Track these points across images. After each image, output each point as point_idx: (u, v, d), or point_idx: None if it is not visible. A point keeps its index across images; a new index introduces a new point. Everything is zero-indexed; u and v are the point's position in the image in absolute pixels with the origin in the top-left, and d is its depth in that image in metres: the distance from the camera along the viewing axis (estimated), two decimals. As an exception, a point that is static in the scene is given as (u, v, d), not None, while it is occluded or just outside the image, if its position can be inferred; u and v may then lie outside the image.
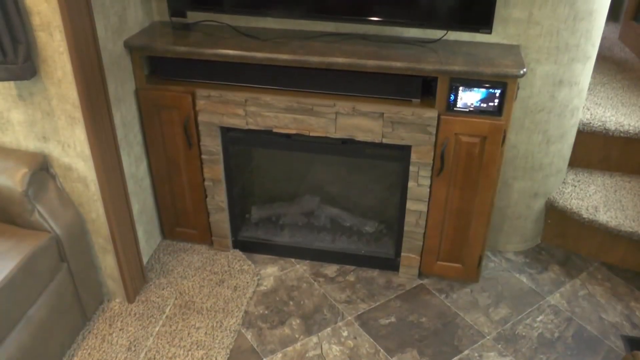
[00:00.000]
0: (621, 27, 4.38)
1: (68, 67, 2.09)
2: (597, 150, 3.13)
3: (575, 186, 3.03)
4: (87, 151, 2.27)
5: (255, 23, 2.68)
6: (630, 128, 2.97)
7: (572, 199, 2.94)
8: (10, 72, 2.04)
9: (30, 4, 1.99)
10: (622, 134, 2.99)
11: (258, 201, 3.19)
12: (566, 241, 3.07)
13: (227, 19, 2.67)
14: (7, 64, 2.02)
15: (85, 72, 2.13)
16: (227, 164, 2.75)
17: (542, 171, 2.85)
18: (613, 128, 2.99)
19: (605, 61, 3.86)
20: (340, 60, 2.34)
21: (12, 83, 2.17)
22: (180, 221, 2.98)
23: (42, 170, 2.30)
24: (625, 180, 3.08)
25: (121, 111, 2.50)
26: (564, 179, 3.05)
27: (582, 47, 2.50)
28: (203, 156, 2.71)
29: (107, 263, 2.57)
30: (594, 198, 2.95)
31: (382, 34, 2.60)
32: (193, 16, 2.67)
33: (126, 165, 2.58)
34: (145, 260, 2.89)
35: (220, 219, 2.91)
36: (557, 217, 3.02)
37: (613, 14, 4.54)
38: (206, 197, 2.85)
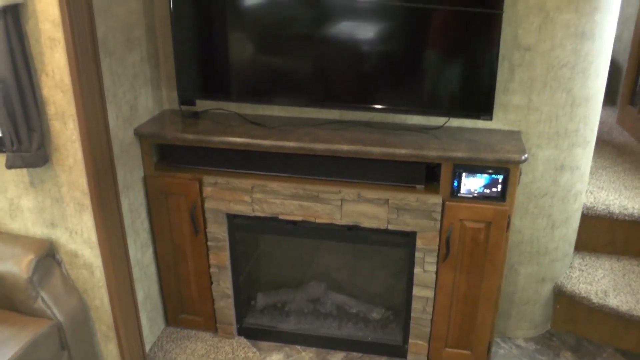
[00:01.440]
0: (618, 111, 4.48)
1: (79, 155, 2.14)
2: (602, 234, 3.12)
3: (583, 270, 3.00)
4: (94, 238, 2.29)
5: (262, 111, 2.76)
6: (635, 211, 2.98)
7: (580, 283, 2.91)
8: (24, 160, 2.09)
9: (47, 94, 2.07)
10: (626, 217, 3.00)
11: (264, 288, 3.17)
12: (577, 327, 3.01)
13: (234, 107, 2.75)
14: (22, 151, 2.08)
15: (96, 160, 2.17)
16: (233, 250, 2.75)
17: (549, 256, 2.84)
18: (617, 211, 3.00)
19: (605, 145, 3.92)
20: (346, 147, 2.40)
21: (24, 170, 2.22)
22: (185, 308, 2.95)
23: (48, 256, 2.30)
24: (633, 264, 3.06)
25: (129, 198, 2.53)
26: (571, 264, 3.03)
27: (581, 132, 2.56)
28: (209, 243, 2.72)
29: (109, 351, 2.53)
30: (603, 282, 2.92)
31: (386, 121, 2.66)
32: (202, 104, 2.75)
33: (132, 252, 2.59)
34: (147, 348, 2.84)
35: (226, 306, 2.88)
36: (566, 302, 2.98)
37: (610, 99, 4.65)
38: (211, 283, 2.83)
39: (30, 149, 2.09)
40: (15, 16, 1.94)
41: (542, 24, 2.39)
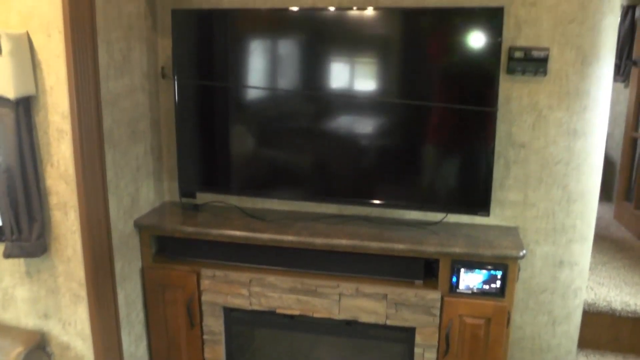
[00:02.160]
0: (615, 207, 4.52)
1: (78, 245, 2.15)
2: (605, 331, 3.06)
3: (587, 369, 2.93)
4: (87, 330, 2.25)
5: (261, 204, 2.79)
6: (638, 308, 2.94)
7: (585, 383, 2.83)
8: (23, 250, 2.09)
9: (51, 184, 2.10)
10: (630, 314, 2.96)
11: (259, 383, 3.07)
12: None
13: (234, 200, 2.78)
14: (21, 241, 2.08)
15: (95, 251, 2.18)
16: (229, 344, 2.70)
17: (551, 353, 2.78)
18: (619, 308, 2.96)
19: (604, 240, 3.92)
20: (344, 242, 2.40)
21: (21, 259, 2.22)
22: (177, 405, 2.85)
23: (38, 349, 2.26)
24: (638, 363, 2.99)
25: (125, 290, 2.51)
26: (575, 362, 2.96)
27: (578, 228, 2.57)
28: (205, 336, 2.67)
29: None
30: (608, 382, 2.84)
31: (384, 216, 2.69)
32: (202, 197, 2.78)
33: (125, 345, 2.53)
34: None
35: (219, 403, 2.78)
36: (571, 403, 2.88)
37: (606, 195, 4.71)
38: (205, 379, 2.75)
39: (30, 238, 2.09)
40: (27, 108, 2.01)
41: (535, 122, 2.46)
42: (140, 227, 2.57)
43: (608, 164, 4.46)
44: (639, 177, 4.19)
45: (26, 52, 1.95)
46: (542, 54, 2.38)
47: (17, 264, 2.23)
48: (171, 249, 2.64)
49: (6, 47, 1.87)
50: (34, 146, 2.05)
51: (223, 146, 2.68)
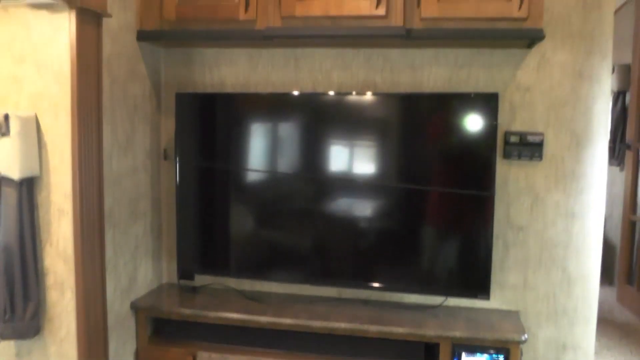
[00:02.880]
0: (617, 290, 4.48)
1: (73, 326, 2.11)
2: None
3: None
4: (77, 416, 2.18)
5: (260, 286, 2.77)
6: (644, 396, 2.86)
7: None
8: (15, 331, 2.06)
9: (49, 263, 2.10)
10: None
11: None
12: None
13: (233, 282, 2.76)
14: (15, 321, 2.05)
15: (89, 332, 2.14)
16: None
17: None
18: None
19: (608, 324, 3.86)
20: (343, 325, 2.37)
21: (13, 341, 2.17)
22: None
23: None
24: None
25: (119, 372, 2.45)
26: None
27: (580, 310, 2.54)
28: (199, 422, 2.58)
29: None
30: None
31: (384, 299, 2.66)
32: (200, 279, 2.76)
33: None
34: None
35: None
36: None
37: (607, 278, 4.66)
38: None
39: (24, 318, 2.06)
40: (30, 188, 2.03)
41: (533, 204, 2.49)
42: (137, 308, 2.54)
43: (608, 246, 4.45)
44: (639, 260, 4.18)
45: (33, 133, 2.00)
46: (537, 139, 2.43)
47: (8, 346, 2.18)
48: (168, 330, 2.60)
49: (15, 128, 1.92)
50: (34, 225, 2.06)
51: (222, 227, 2.69)
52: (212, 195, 2.71)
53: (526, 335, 2.27)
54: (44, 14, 1.99)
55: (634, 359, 3.29)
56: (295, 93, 2.60)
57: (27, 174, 1.99)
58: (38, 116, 2.02)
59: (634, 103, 4.27)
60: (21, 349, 2.18)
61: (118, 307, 2.41)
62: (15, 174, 1.95)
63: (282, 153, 2.64)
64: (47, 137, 2.03)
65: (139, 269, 2.59)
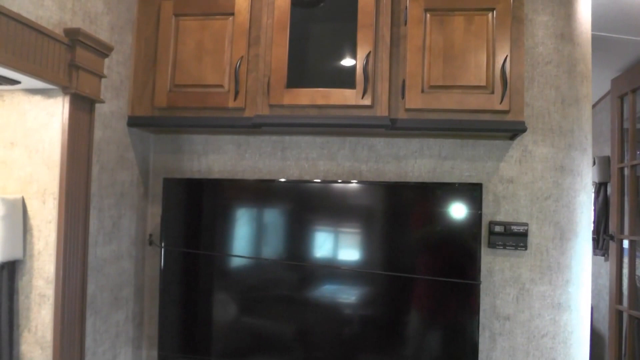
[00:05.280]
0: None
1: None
2: None
3: None
4: None
5: (242, 374, 2.70)
6: None
7: None
8: None
9: (25, 350, 2.01)
10: None
11: None
12: None
13: (214, 369, 2.69)
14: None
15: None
16: None
17: None
18: None
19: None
20: (327, 415, 2.30)
21: None
22: None
23: None
24: None
25: None
26: None
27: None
28: None
29: None
30: None
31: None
32: (181, 365, 2.69)
33: None
34: None
35: None
36: None
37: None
38: None
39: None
40: (11, 271, 2.00)
41: (519, 295, 2.48)
42: (114, 397, 2.46)
43: (596, 336, 4.41)
44: (629, 351, 4.12)
45: (19, 216, 1.99)
46: (521, 229, 2.46)
47: None
48: (145, 422, 2.51)
49: (0, 211, 1.92)
50: (12, 310, 2.01)
51: (205, 312, 2.64)
52: (196, 280, 2.68)
53: None
54: (38, 99, 2.03)
55: None
56: (282, 180, 2.63)
57: (10, 257, 1.96)
58: (25, 200, 2.02)
59: (615, 195, 4.35)
60: None
61: (94, 397, 2.33)
62: (-3, 257, 1.93)
63: (267, 239, 2.64)
64: (33, 221, 2.02)
65: (119, 357, 2.52)
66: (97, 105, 2.21)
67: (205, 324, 2.64)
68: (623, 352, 4.24)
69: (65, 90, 1.98)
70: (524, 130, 2.31)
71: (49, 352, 2.01)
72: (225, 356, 2.64)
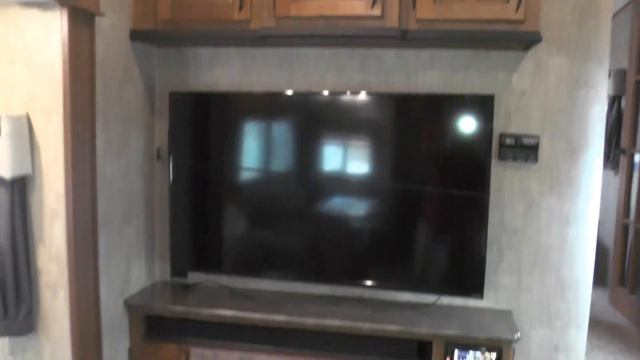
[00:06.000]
0: (610, 292, 4.50)
1: (66, 325, 2.11)
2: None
3: None
4: (70, 415, 2.18)
5: (253, 284, 2.77)
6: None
7: None
8: (9, 329, 2.06)
9: (41, 264, 2.09)
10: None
11: None
12: None
13: (225, 279, 2.76)
14: (8, 320, 2.05)
15: (83, 331, 2.14)
16: None
17: None
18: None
19: (599, 325, 3.88)
20: (336, 322, 2.37)
21: (6, 338, 2.17)
22: None
23: None
24: None
25: (112, 371, 2.45)
26: None
27: (573, 313, 2.55)
28: (191, 421, 2.58)
29: None
30: None
31: (377, 297, 2.66)
32: (193, 277, 2.76)
33: None
34: None
35: None
36: None
37: (600, 280, 4.68)
38: None
39: (17, 317, 2.06)
40: (22, 187, 2.02)
41: (527, 209, 2.49)
42: (130, 307, 2.54)
43: (601, 249, 4.47)
44: (632, 263, 4.19)
45: (25, 133, 1.99)
46: (532, 141, 2.43)
47: (2, 342, 2.18)
48: (160, 328, 2.60)
49: (5, 129, 1.91)
50: (26, 225, 2.05)
51: (216, 226, 2.69)
52: (206, 194, 2.71)
53: (519, 335, 2.28)
54: (35, 13, 1.97)
55: (623, 359, 3.31)
56: (289, 92, 2.59)
57: (19, 173, 1.98)
58: (30, 117, 2.01)
59: (629, 109, 4.28)
60: (15, 348, 2.18)
61: (111, 306, 2.41)
62: (6, 173, 1.94)
63: (276, 152, 2.64)
64: (40, 138, 2.02)
65: (132, 269, 2.59)
66: (98, 20, 2.15)
67: (216, 235, 2.69)
68: (626, 264, 4.31)
69: (62, 2, 1.92)
70: (539, 40, 2.24)
71: (64, 266, 2.07)
72: (236, 269, 2.71)
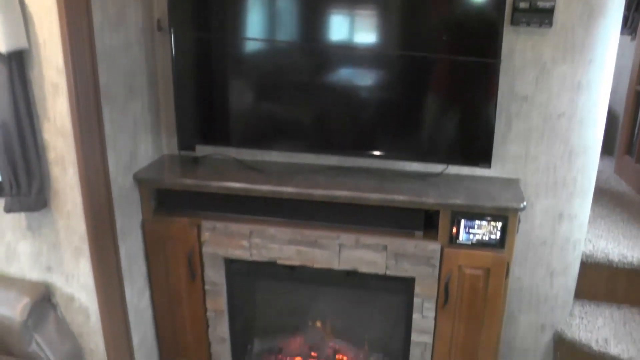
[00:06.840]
0: (616, 161, 4.51)
1: (78, 200, 2.15)
2: (602, 282, 3.10)
3: (583, 318, 2.97)
4: (90, 283, 2.28)
5: (261, 157, 2.78)
6: (634, 260, 2.97)
7: (580, 331, 2.88)
8: (23, 204, 2.10)
9: (48, 139, 2.09)
10: (626, 266, 2.98)
11: (260, 333, 3.13)
12: (577, 377, 2.97)
13: (234, 152, 2.77)
14: (21, 196, 2.08)
15: (94, 206, 2.18)
16: (230, 295, 2.73)
17: (548, 303, 2.82)
18: (617, 260, 2.98)
19: (603, 194, 3.92)
20: (344, 193, 2.40)
21: (22, 215, 2.23)
22: (181, 352, 2.90)
23: (43, 300, 2.29)
24: (634, 313, 3.03)
25: (126, 244, 2.52)
26: (571, 311, 3.00)
27: (579, 182, 2.57)
28: (206, 287, 2.70)
29: (103, 397, 2.49)
30: (603, 330, 2.89)
31: (385, 167, 2.68)
32: (201, 150, 2.77)
33: (128, 297, 2.56)
34: (142, 394, 2.79)
35: (222, 351, 2.84)
36: (566, 350, 2.94)
37: (607, 148, 4.68)
38: (208, 328, 2.80)
39: (29, 193, 2.09)
40: (20, 62, 1.97)
41: (539, 76, 2.43)
42: (139, 180, 2.57)
43: (611, 118, 4.41)
44: (642, 130, 4.16)
45: (15, 4, 1.90)
46: (547, 5, 2.31)
47: (18, 219, 2.24)
48: (171, 202, 2.65)
49: (-5, 0, 1.83)
50: (29, 101, 2.02)
51: (222, 99, 2.65)
52: (210, 66, 2.63)
53: (525, 204, 2.30)
54: None
55: (625, 228, 3.38)
56: (294, -43, 2.45)
57: (15, 46, 1.91)
58: (19, -13, 1.92)
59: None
60: (31, 223, 2.24)
61: (121, 181, 2.44)
62: (1, 46, 1.87)
63: (281, 21, 2.54)
64: (32, 10, 1.93)
65: (139, 144, 2.59)
66: None
67: (222, 109, 2.66)
68: (635, 132, 4.28)
69: None
70: None
71: (70, 140, 2.07)
72: (244, 141, 2.70)
